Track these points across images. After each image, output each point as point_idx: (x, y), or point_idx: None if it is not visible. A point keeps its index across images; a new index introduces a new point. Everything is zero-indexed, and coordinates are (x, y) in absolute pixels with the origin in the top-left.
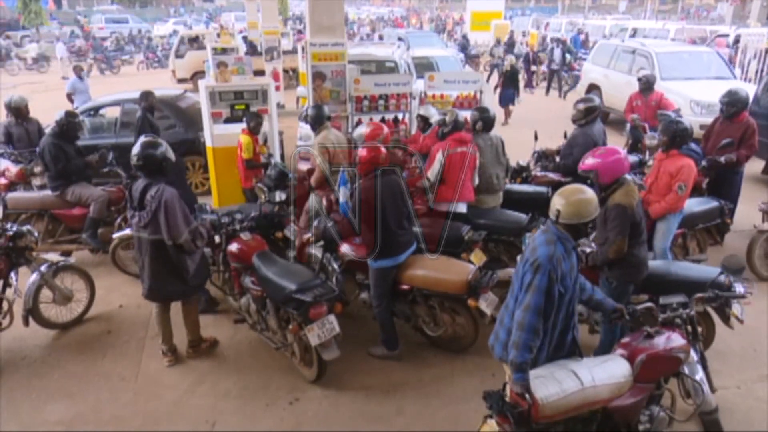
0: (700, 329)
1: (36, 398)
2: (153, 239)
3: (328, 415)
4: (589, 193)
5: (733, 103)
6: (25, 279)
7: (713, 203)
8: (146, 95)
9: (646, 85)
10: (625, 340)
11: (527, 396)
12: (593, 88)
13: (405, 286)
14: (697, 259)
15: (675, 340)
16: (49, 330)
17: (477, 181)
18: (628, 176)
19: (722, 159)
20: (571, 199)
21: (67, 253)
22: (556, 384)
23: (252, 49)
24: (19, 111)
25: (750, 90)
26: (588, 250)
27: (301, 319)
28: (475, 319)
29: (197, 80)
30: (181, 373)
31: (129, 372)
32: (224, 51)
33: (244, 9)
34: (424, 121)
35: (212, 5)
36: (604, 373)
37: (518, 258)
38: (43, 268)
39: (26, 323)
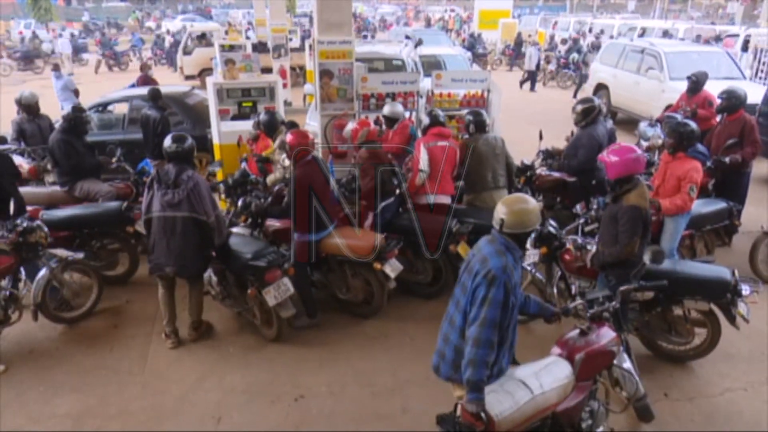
0: (705, 330)
1: (44, 391)
2: (186, 216)
3: (333, 413)
4: (531, 203)
5: (729, 98)
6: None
7: (721, 204)
8: (157, 94)
9: (695, 85)
10: (562, 339)
11: (483, 415)
12: (601, 87)
13: (322, 254)
14: (705, 261)
15: (607, 334)
16: (57, 324)
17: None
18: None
19: (727, 159)
20: (514, 208)
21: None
22: (508, 397)
23: (262, 46)
24: (30, 107)
25: (760, 90)
26: (592, 249)
27: (258, 284)
28: (383, 287)
29: (205, 77)
30: (188, 367)
31: (136, 366)
32: (232, 48)
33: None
34: (389, 120)
35: (221, 2)
36: (550, 377)
37: (461, 268)
38: (52, 263)
39: (35, 318)
